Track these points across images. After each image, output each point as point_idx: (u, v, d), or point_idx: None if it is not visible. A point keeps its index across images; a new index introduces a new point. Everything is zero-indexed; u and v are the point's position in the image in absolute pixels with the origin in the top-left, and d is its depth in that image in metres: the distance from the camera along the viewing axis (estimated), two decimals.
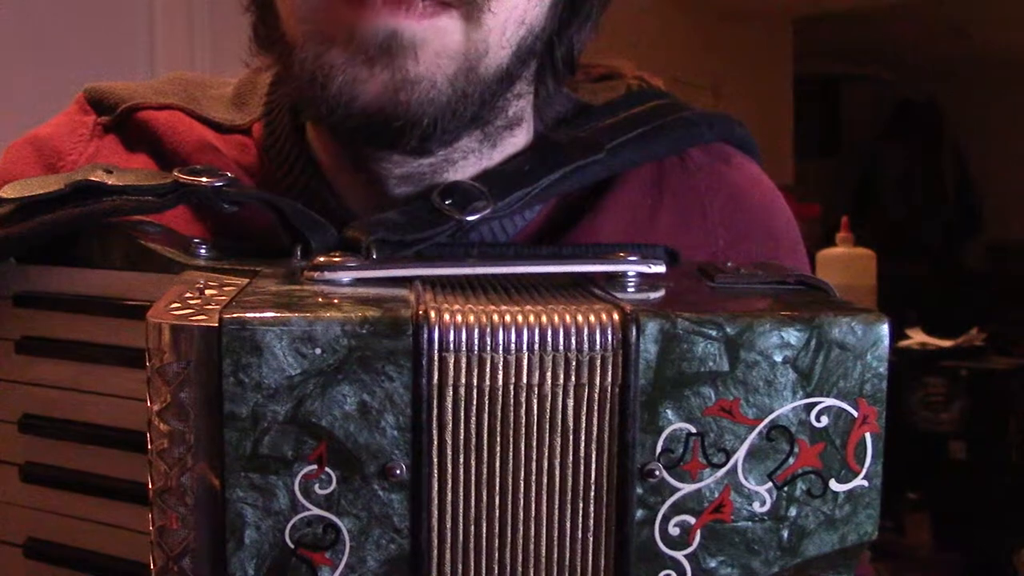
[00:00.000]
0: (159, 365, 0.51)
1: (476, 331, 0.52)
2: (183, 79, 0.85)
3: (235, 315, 0.50)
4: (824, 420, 0.54)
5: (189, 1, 2.56)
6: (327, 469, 0.51)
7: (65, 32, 2.33)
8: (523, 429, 0.52)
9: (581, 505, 0.53)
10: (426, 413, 0.52)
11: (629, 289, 0.58)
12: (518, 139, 0.76)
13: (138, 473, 0.55)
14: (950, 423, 3.17)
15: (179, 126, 0.80)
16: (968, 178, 6.14)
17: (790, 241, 0.84)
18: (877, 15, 4.91)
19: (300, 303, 0.52)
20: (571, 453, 0.53)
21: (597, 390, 0.53)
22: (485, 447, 0.52)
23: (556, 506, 0.53)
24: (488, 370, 0.52)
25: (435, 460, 0.52)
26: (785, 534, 0.54)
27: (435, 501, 0.52)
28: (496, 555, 0.53)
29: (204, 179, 0.64)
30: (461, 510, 0.53)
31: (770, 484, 0.54)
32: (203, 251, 0.64)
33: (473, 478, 0.52)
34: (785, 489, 0.54)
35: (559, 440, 0.53)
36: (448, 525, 0.53)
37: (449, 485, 0.52)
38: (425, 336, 0.51)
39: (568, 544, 0.53)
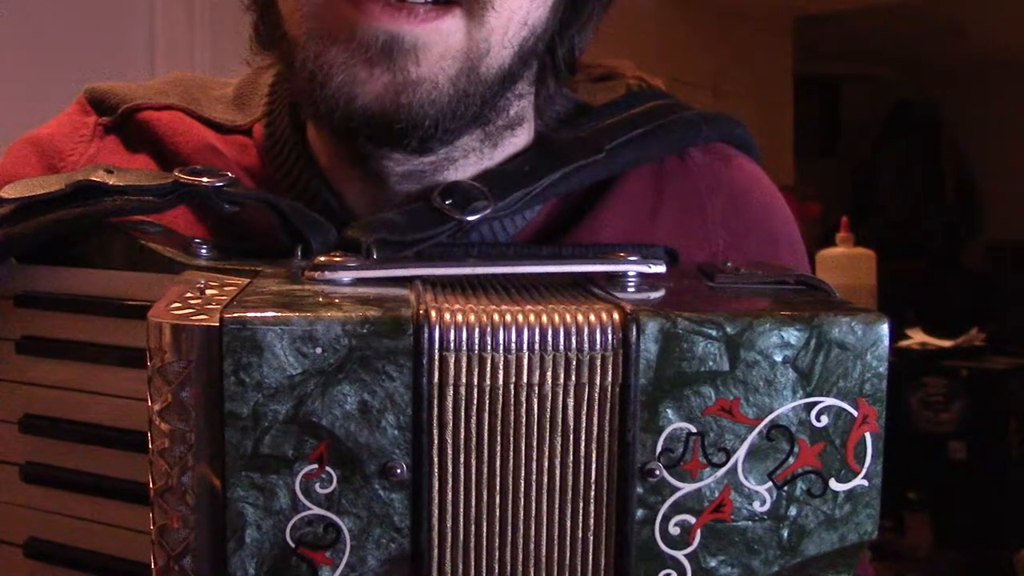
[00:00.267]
0: (160, 365, 0.51)
1: (476, 331, 0.52)
2: (183, 79, 0.85)
3: (236, 315, 0.50)
4: (824, 420, 0.54)
5: (189, 1, 2.56)
6: (328, 468, 0.51)
7: (65, 32, 2.33)
8: (523, 429, 0.52)
9: (581, 505, 0.53)
10: (426, 412, 0.52)
11: (629, 289, 0.58)
12: (519, 139, 0.77)
13: (139, 473, 0.55)
14: (950, 423, 3.17)
15: (180, 127, 0.80)
16: (968, 178, 6.14)
17: (790, 241, 0.84)
18: (877, 15, 4.91)
19: (301, 303, 0.52)
20: (571, 453, 0.53)
21: (597, 390, 0.53)
22: (485, 447, 0.52)
23: (556, 506, 0.53)
24: (488, 369, 0.52)
25: (435, 459, 0.52)
26: (785, 534, 0.54)
27: (435, 500, 0.52)
28: (496, 554, 0.53)
29: (204, 179, 0.64)
30: (461, 509, 0.53)
31: (770, 484, 0.54)
32: (204, 251, 0.64)
33: (473, 477, 0.53)
34: (785, 489, 0.54)
35: (559, 440, 0.53)
36: (448, 524, 0.53)
37: (449, 484, 0.52)
38: (425, 336, 0.51)
39: (568, 543, 0.53)
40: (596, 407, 0.53)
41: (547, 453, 0.53)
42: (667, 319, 0.53)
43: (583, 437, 0.53)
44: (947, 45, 5.41)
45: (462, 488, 0.53)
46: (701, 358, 0.53)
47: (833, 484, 0.55)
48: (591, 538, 0.53)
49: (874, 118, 6.28)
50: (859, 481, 0.55)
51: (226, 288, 0.56)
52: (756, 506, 0.54)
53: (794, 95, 5.17)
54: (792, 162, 5.03)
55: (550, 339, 0.52)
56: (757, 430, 0.54)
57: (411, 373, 0.51)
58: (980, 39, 5.20)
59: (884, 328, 0.55)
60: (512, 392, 0.52)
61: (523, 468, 0.53)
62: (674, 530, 0.54)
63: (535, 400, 0.52)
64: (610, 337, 0.52)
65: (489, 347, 0.52)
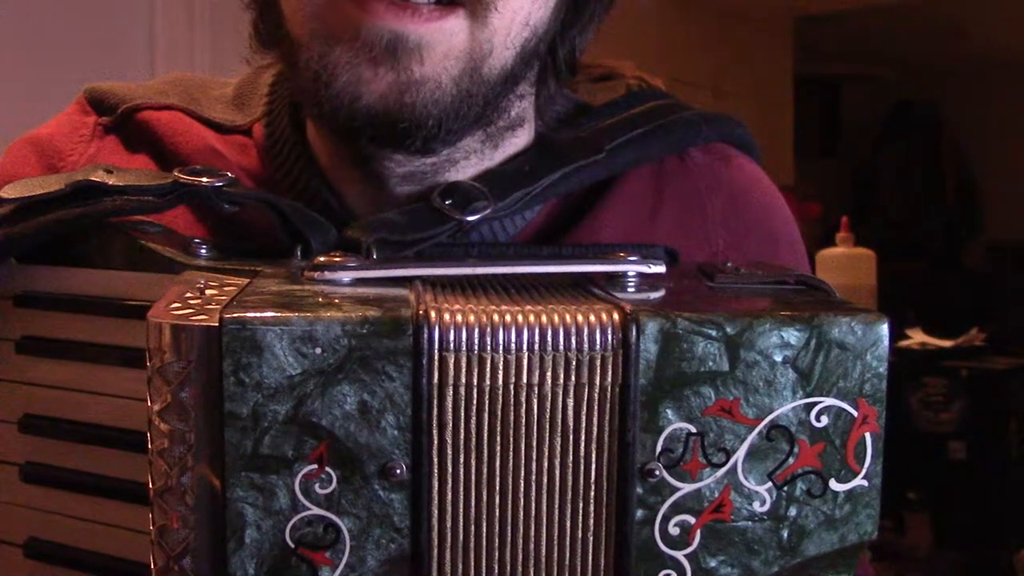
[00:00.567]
0: (160, 365, 0.51)
1: (476, 331, 0.52)
2: (183, 79, 0.85)
3: (236, 315, 0.50)
4: (824, 420, 0.54)
5: (189, 1, 2.56)
6: (327, 469, 0.51)
7: (65, 32, 2.33)
8: (523, 429, 0.52)
9: (581, 505, 0.53)
10: (426, 413, 0.52)
11: (629, 289, 0.58)
12: (519, 139, 0.77)
13: (138, 473, 0.55)
14: (950, 423, 3.17)
15: (179, 127, 0.80)
16: (968, 178, 6.14)
17: (790, 241, 0.84)
18: (877, 15, 4.91)
19: (301, 303, 0.52)
20: (571, 453, 0.53)
21: (597, 390, 0.53)
22: (485, 447, 0.52)
23: (556, 506, 0.53)
24: (488, 370, 0.52)
25: (435, 460, 0.52)
26: (785, 534, 0.54)
27: (435, 501, 0.52)
28: (496, 555, 0.53)
29: (204, 179, 0.64)
30: (461, 510, 0.53)
31: (770, 484, 0.54)
32: (203, 251, 0.64)
33: (473, 478, 0.53)
34: (785, 489, 0.54)
35: (559, 440, 0.53)
36: (448, 525, 0.53)
37: (449, 485, 0.52)
38: (425, 336, 0.51)
39: (568, 544, 0.53)
40: (596, 407, 0.53)
41: (547, 453, 0.53)
42: (667, 319, 0.53)
43: (583, 437, 0.53)
44: (947, 45, 5.41)
45: (462, 488, 0.53)
46: (701, 358, 0.53)
47: (833, 484, 0.54)
48: (591, 538, 0.53)
49: (874, 118, 6.28)
50: (859, 481, 0.55)
51: (226, 288, 0.56)
52: (756, 506, 0.54)
53: (794, 95, 5.17)
54: (792, 162, 5.03)
55: (550, 339, 0.52)
56: (757, 430, 0.54)
57: (411, 373, 0.51)
58: (980, 39, 5.20)
59: (884, 328, 0.55)
60: (512, 392, 0.52)
61: (523, 468, 0.53)
62: (674, 530, 0.54)
63: (535, 400, 0.52)
64: (610, 337, 0.52)
65: (489, 347, 0.52)
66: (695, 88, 3.94)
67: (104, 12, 2.44)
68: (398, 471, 0.51)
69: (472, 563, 0.53)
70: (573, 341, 0.52)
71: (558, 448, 0.53)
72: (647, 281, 0.60)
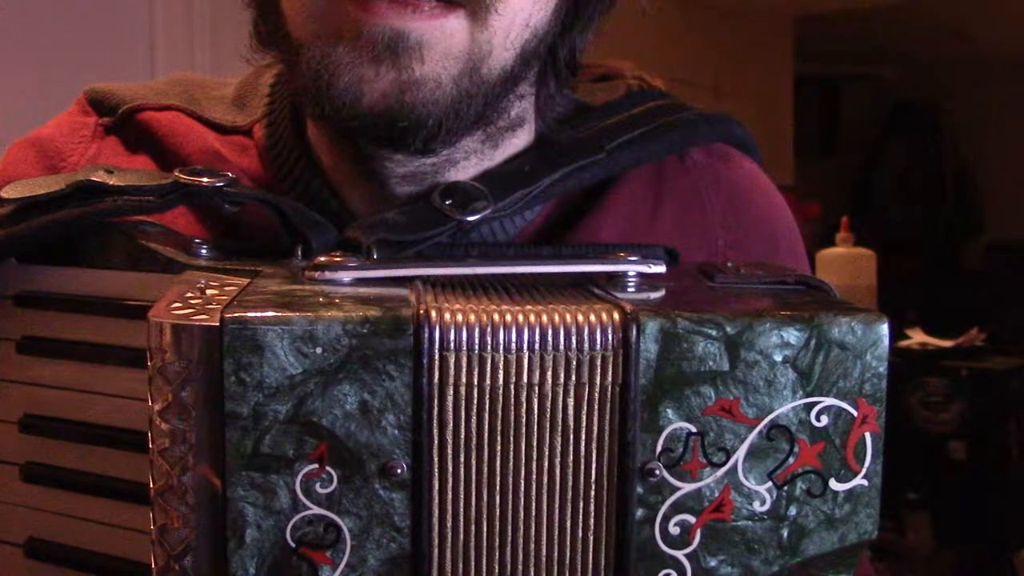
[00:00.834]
0: (160, 364, 0.51)
1: (476, 330, 0.52)
2: (184, 80, 0.85)
3: (236, 314, 0.50)
4: (824, 420, 0.54)
5: (189, 1, 2.56)
6: (328, 468, 0.51)
7: (65, 32, 2.33)
8: (523, 428, 0.53)
9: (581, 504, 0.53)
10: (427, 412, 0.52)
11: (629, 289, 0.58)
12: (519, 139, 0.77)
13: (139, 473, 0.55)
14: (950, 423, 3.17)
15: (180, 127, 0.80)
16: (968, 178, 6.14)
17: (790, 241, 0.84)
18: (877, 15, 4.91)
19: (301, 303, 0.52)
20: (571, 452, 0.53)
21: (597, 389, 0.53)
22: (485, 446, 0.52)
23: (556, 505, 0.53)
24: (489, 369, 0.52)
25: (436, 459, 0.52)
26: (785, 533, 0.54)
27: (435, 500, 0.52)
28: (496, 554, 0.53)
29: (205, 179, 0.64)
30: (461, 509, 0.53)
31: (770, 483, 0.54)
32: (204, 251, 0.64)
33: (473, 477, 0.53)
34: (785, 488, 0.54)
35: (559, 439, 0.53)
36: (448, 524, 0.53)
37: (450, 484, 0.52)
38: (426, 335, 0.51)
39: (568, 543, 0.53)
40: (596, 407, 0.53)
41: (547, 453, 0.53)
42: (667, 319, 0.53)
43: (583, 437, 0.53)
44: (947, 45, 5.42)
45: (462, 488, 0.53)
46: (701, 358, 0.53)
47: (833, 484, 0.55)
48: (591, 538, 0.54)
49: (874, 118, 6.28)
50: (859, 481, 0.55)
51: (226, 288, 0.56)
52: (756, 506, 0.54)
53: (794, 95, 5.17)
54: (792, 162, 5.03)
55: (550, 339, 0.52)
56: (757, 430, 0.54)
57: (411, 373, 0.51)
58: (980, 39, 5.20)
59: (884, 328, 0.55)
60: (512, 392, 0.52)
61: (523, 468, 0.53)
62: (674, 530, 0.54)
63: (535, 400, 0.52)
64: (610, 337, 0.53)
65: (489, 347, 0.52)
66: (695, 88, 3.94)
67: (104, 12, 2.44)
68: (398, 471, 0.51)
69: (472, 562, 0.53)
70: (573, 341, 0.52)
71: (558, 448, 0.53)
72: (647, 281, 0.60)
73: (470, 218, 0.69)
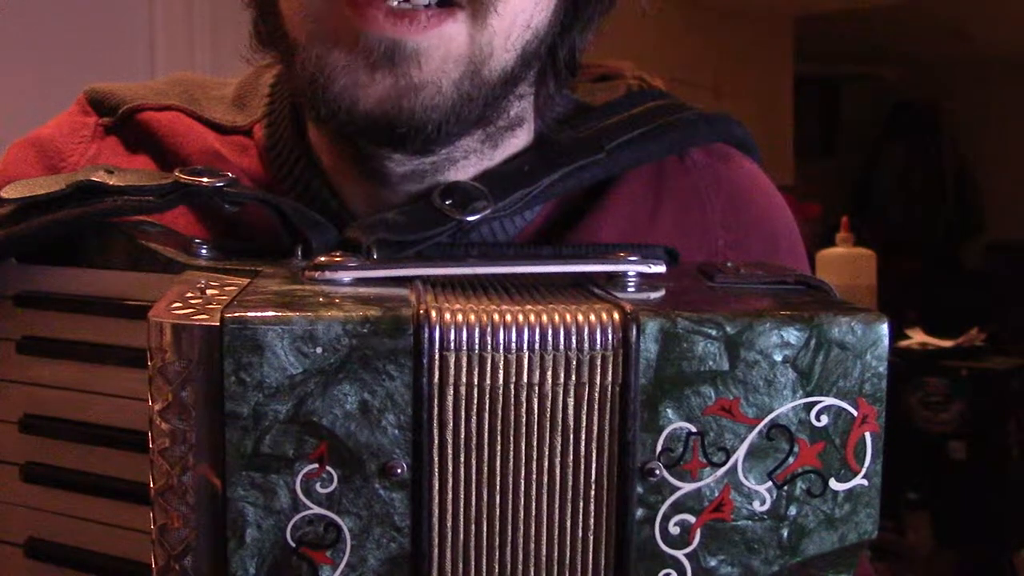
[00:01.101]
0: (160, 364, 0.51)
1: (477, 330, 0.52)
2: (184, 80, 0.85)
3: (236, 314, 0.50)
4: (824, 419, 0.54)
5: (189, 1, 2.56)
6: (328, 468, 0.51)
7: (65, 32, 2.33)
8: (523, 428, 0.53)
9: (581, 504, 0.53)
10: (427, 412, 0.52)
11: (629, 289, 0.58)
12: (519, 139, 0.77)
13: (139, 473, 0.55)
14: (950, 423, 3.17)
15: (180, 127, 0.80)
16: (968, 178, 6.14)
17: (790, 241, 0.84)
18: (877, 15, 4.91)
19: (301, 302, 0.52)
20: (571, 452, 0.53)
21: (597, 389, 0.53)
22: (486, 446, 0.52)
23: (556, 505, 0.53)
24: (489, 369, 0.52)
25: (436, 459, 0.52)
26: (785, 533, 0.54)
27: (435, 500, 0.52)
28: (496, 554, 0.53)
29: (205, 179, 0.64)
30: (461, 509, 0.53)
31: (770, 483, 0.54)
32: (204, 251, 0.64)
33: (473, 477, 0.53)
34: (785, 488, 0.54)
35: (559, 439, 0.53)
36: (448, 524, 0.53)
37: (450, 484, 0.52)
38: (426, 335, 0.51)
39: (568, 543, 0.53)
40: (596, 407, 0.53)
41: (547, 453, 0.53)
42: (667, 319, 0.53)
43: (583, 437, 0.53)
44: (947, 45, 5.42)
45: (462, 488, 0.53)
46: (701, 358, 0.53)
47: (833, 484, 0.55)
48: (591, 538, 0.54)
49: (874, 118, 6.28)
50: (859, 481, 0.55)
51: (226, 288, 0.56)
52: (756, 506, 0.54)
53: (794, 95, 5.17)
54: (792, 162, 5.03)
55: (550, 339, 0.52)
56: (757, 430, 0.54)
57: (411, 373, 0.51)
58: (980, 39, 5.20)
59: (884, 328, 0.55)
60: (512, 392, 0.52)
61: (523, 468, 0.53)
62: (674, 530, 0.54)
63: (535, 400, 0.52)
64: (610, 337, 0.53)
65: (489, 347, 0.52)
66: (695, 88, 3.93)
67: (104, 12, 2.44)
68: (399, 470, 0.51)
69: (472, 562, 0.53)
70: (573, 341, 0.52)
71: (558, 448, 0.53)
72: (647, 281, 0.60)
73: (470, 218, 0.69)
